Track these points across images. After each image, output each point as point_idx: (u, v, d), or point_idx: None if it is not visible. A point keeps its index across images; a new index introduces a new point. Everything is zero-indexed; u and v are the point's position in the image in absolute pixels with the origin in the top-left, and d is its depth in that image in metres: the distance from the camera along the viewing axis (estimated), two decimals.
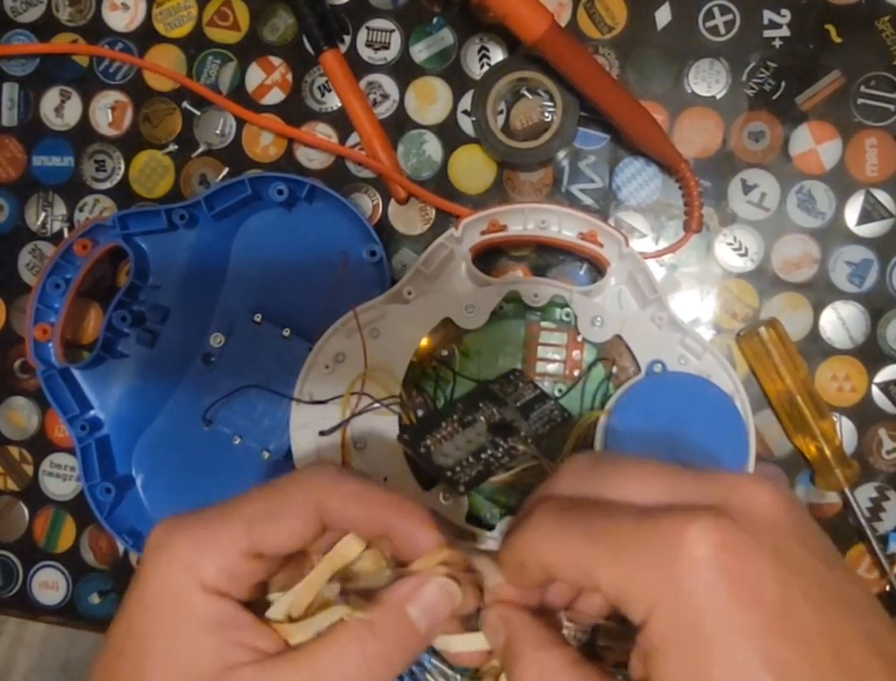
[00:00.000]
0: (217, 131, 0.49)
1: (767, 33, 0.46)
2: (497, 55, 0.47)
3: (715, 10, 0.46)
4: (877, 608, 0.23)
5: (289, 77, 0.49)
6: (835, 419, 0.44)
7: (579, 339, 0.43)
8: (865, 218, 0.45)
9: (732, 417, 0.40)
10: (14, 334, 0.50)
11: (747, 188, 0.46)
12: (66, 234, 0.50)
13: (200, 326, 0.46)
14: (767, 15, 0.46)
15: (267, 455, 0.45)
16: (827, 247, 0.45)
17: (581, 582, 0.24)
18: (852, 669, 0.21)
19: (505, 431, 0.37)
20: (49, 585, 0.49)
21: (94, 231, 0.46)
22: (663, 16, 0.46)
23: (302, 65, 0.48)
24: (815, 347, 0.45)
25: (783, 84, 0.46)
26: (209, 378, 0.46)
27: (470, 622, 0.28)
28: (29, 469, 0.50)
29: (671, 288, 0.46)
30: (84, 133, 0.50)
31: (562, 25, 0.46)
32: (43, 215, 0.50)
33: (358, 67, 0.48)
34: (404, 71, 0.48)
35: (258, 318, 0.45)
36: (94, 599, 0.49)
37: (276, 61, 0.49)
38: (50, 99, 0.50)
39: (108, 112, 0.50)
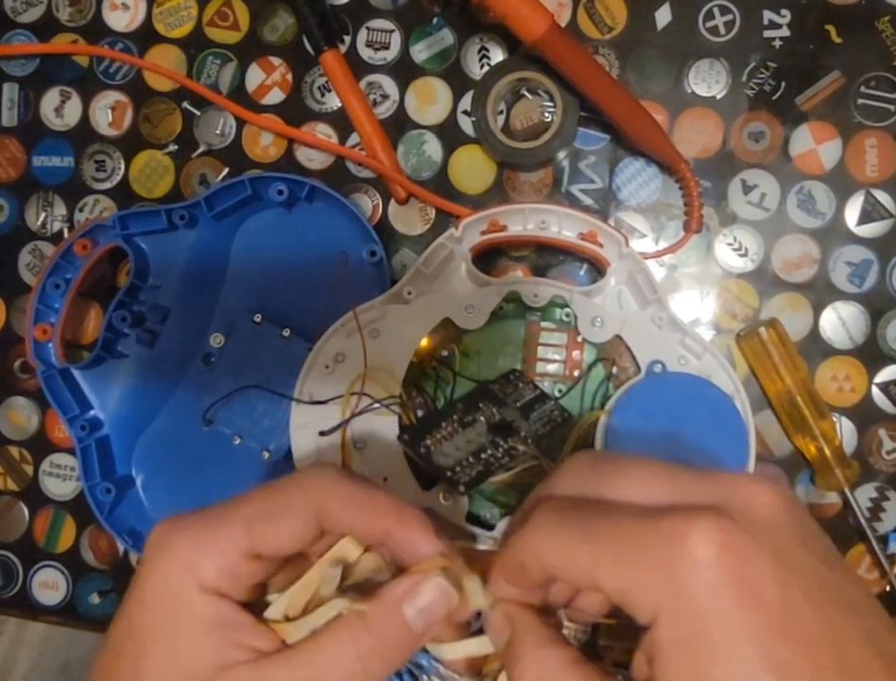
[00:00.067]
0: (217, 132, 0.49)
1: (767, 33, 0.46)
2: (497, 55, 0.47)
3: (715, 11, 0.46)
4: (877, 608, 0.23)
5: (289, 77, 0.49)
6: (835, 419, 0.44)
7: (579, 339, 0.43)
8: (865, 218, 0.45)
9: (732, 417, 0.40)
10: (14, 334, 0.50)
11: (747, 188, 0.46)
12: (66, 234, 0.50)
13: (200, 326, 0.46)
14: (767, 15, 0.46)
15: (266, 455, 0.45)
16: (827, 247, 0.45)
17: (583, 583, 0.24)
18: (853, 668, 0.21)
19: (505, 431, 0.37)
20: (49, 585, 0.49)
21: (94, 231, 0.46)
22: (663, 16, 0.46)
23: (302, 65, 0.48)
24: (815, 347, 0.45)
25: (783, 84, 0.46)
26: (209, 378, 0.46)
27: (464, 630, 0.28)
28: (29, 469, 0.50)
29: (671, 289, 0.46)
30: (84, 133, 0.50)
31: (562, 25, 0.46)
32: (43, 215, 0.50)
33: (358, 67, 0.48)
34: (405, 71, 0.48)
35: (258, 318, 0.45)
36: (94, 599, 0.49)
37: (276, 61, 0.49)
38: (50, 99, 0.50)
39: (108, 112, 0.50)
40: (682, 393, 0.40)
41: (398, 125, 0.48)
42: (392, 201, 0.48)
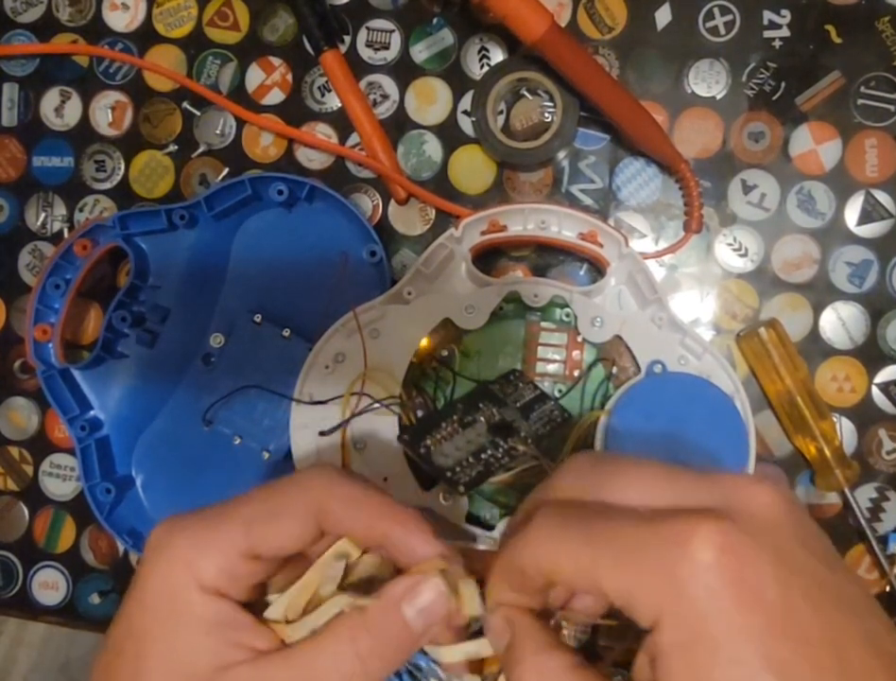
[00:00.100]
0: (217, 132, 0.49)
1: (767, 34, 0.46)
2: (497, 55, 0.47)
3: (715, 11, 0.46)
4: (876, 609, 0.23)
5: (289, 77, 0.49)
6: (834, 419, 0.44)
7: (579, 339, 0.43)
8: (865, 218, 0.45)
9: (732, 418, 0.40)
10: (14, 334, 0.50)
11: (747, 189, 0.46)
12: (66, 234, 0.50)
13: (200, 327, 0.46)
14: (767, 16, 0.46)
15: (266, 455, 0.45)
16: (827, 247, 0.45)
17: (585, 587, 0.24)
18: (853, 669, 0.21)
19: (505, 432, 0.37)
20: (49, 586, 0.49)
21: (94, 231, 0.46)
22: (663, 16, 0.46)
23: (302, 65, 0.48)
24: (815, 347, 0.45)
25: (783, 85, 0.46)
26: (209, 379, 0.46)
27: (462, 633, 0.28)
28: (29, 469, 0.50)
29: (671, 289, 0.46)
30: (84, 134, 0.50)
31: (562, 25, 0.46)
32: (43, 215, 0.50)
33: (358, 67, 0.48)
34: (405, 71, 0.48)
35: (258, 318, 0.45)
36: (95, 599, 0.49)
37: (276, 61, 0.49)
38: (50, 99, 0.50)
39: (108, 112, 0.50)
40: (682, 394, 0.40)
41: (398, 125, 0.48)
42: (392, 202, 0.48)
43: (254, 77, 0.49)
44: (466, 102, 0.47)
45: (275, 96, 0.49)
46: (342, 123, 0.48)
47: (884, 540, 0.44)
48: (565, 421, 0.40)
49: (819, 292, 0.45)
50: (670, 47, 0.46)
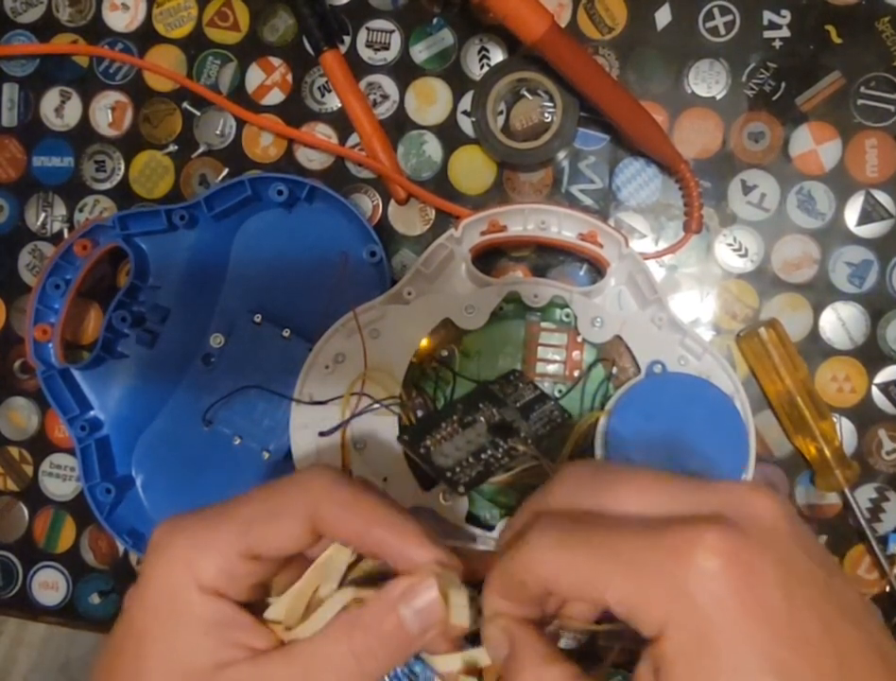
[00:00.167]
0: (217, 132, 0.49)
1: (767, 34, 0.46)
2: (497, 55, 0.47)
3: (715, 11, 0.46)
4: (873, 614, 0.23)
5: (289, 77, 0.49)
6: (834, 420, 0.44)
7: (579, 339, 0.43)
8: (865, 218, 0.45)
9: (732, 418, 0.40)
10: (14, 334, 0.50)
11: (746, 189, 0.46)
12: (66, 234, 0.50)
13: (200, 327, 0.46)
14: (767, 16, 0.46)
15: (266, 455, 0.45)
16: (827, 247, 0.45)
17: (587, 598, 0.24)
18: (855, 673, 0.21)
19: (505, 432, 0.37)
20: (49, 586, 0.49)
21: (94, 231, 0.46)
22: (663, 17, 0.46)
23: (302, 66, 0.48)
24: (815, 348, 0.45)
25: (783, 85, 0.46)
26: (209, 379, 0.46)
27: (458, 642, 0.28)
28: (29, 469, 0.50)
29: (671, 289, 0.46)
30: (84, 134, 0.50)
31: (562, 25, 0.46)
32: (43, 215, 0.50)
33: (358, 68, 0.48)
34: (404, 71, 0.48)
35: (258, 318, 0.45)
36: (95, 599, 0.49)
37: (276, 61, 0.49)
38: (50, 100, 0.50)
39: (108, 112, 0.50)
40: (682, 394, 0.40)
41: (398, 125, 0.48)
42: (392, 202, 0.48)
43: (254, 77, 0.49)
44: (466, 102, 0.47)
45: (275, 97, 0.49)
46: (342, 123, 0.48)
47: (884, 540, 0.44)
48: (565, 421, 0.40)
49: (819, 292, 0.45)
50: (670, 47, 0.46)
